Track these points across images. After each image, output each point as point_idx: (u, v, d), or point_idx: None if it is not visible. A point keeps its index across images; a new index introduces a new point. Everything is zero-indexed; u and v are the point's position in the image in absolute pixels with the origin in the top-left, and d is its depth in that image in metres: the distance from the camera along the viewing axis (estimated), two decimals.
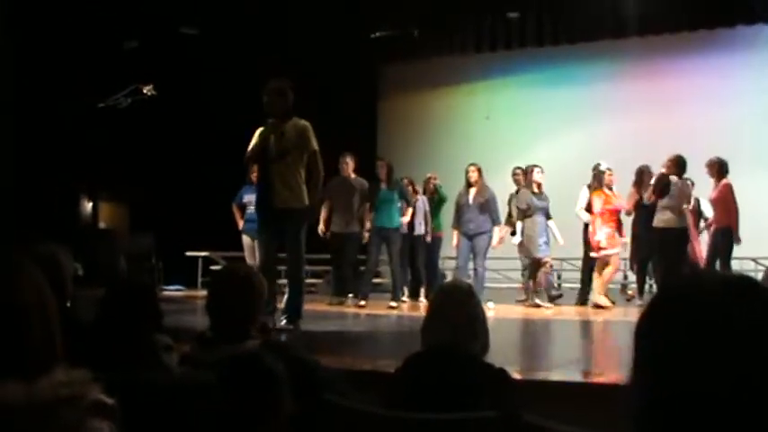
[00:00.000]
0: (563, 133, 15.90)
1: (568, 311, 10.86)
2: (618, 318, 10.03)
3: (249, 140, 7.40)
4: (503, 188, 12.27)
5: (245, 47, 14.47)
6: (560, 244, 11.75)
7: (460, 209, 11.33)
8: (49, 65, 12.81)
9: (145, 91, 9.58)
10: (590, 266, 11.37)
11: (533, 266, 11.35)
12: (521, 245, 11.63)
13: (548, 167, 11.68)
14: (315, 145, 7.31)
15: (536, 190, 11.32)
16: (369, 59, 16.76)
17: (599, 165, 11.26)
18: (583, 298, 11.37)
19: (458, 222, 11.36)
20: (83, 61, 13.14)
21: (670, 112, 14.84)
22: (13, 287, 1.63)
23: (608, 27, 15.23)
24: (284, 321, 7.22)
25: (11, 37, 12.27)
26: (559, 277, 14.89)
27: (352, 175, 11.64)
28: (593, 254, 11.15)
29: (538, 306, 11.06)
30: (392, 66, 17.55)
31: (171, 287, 13.40)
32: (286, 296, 7.48)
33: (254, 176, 11.09)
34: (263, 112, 7.29)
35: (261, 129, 7.36)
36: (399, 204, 11.54)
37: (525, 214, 11.23)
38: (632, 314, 10.05)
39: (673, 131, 13.96)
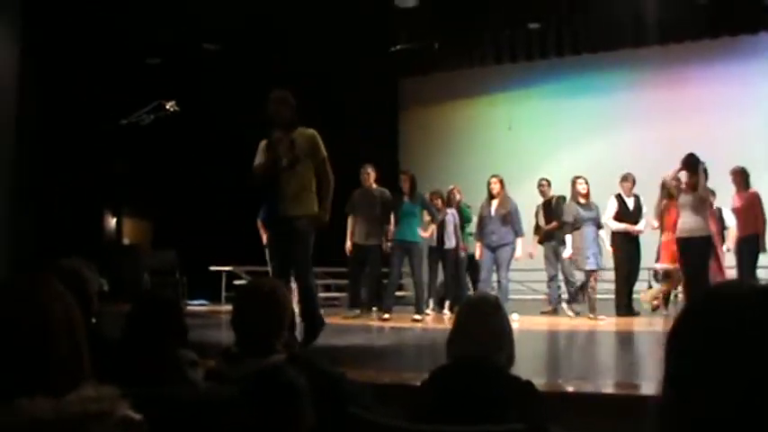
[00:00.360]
0: (585, 143, 15.85)
1: (594, 322, 10.77)
2: (643, 328, 9.97)
3: None
4: (526, 199, 12.25)
5: (265, 62, 14.52)
6: (608, 249, 11.63)
7: (483, 220, 11.30)
8: (72, 82, 12.90)
9: (167, 107, 9.58)
10: (624, 275, 11.26)
11: (585, 279, 11.26)
12: (555, 259, 11.66)
13: (570, 177, 11.64)
14: (324, 152, 7.17)
15: (582, 201, 11.24)
16: (389, 72, 16.80)
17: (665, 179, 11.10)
18: (622, 307, 11.21)
19: (480, 234, 11.33)
20: (105, 78, 13.23)
21: (691, 120, 14.77)
22: (41, 304, 1.64)
23: (628, 36, 15.21)
24: (304, 334, 7.03)
25: (34, 55, 12.37)
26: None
27: (374, 185, 11.63)
28: (661, 265, 11.05)
29: (591, 318, 10.93)
30: (413, 78, 17.60)
31: (195, 302, 13.44)
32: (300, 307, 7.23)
33: None
34: (268, 122, 7.16)
35: (265, 141, 7.21)
36: (429, 218, 11.55)
37: (573, 227, 11.15)
38: (657, 324, 9.99)
39: (694, 140, 13.80)
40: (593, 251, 11.11)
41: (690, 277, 9.88)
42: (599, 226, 11.30)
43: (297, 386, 2.40)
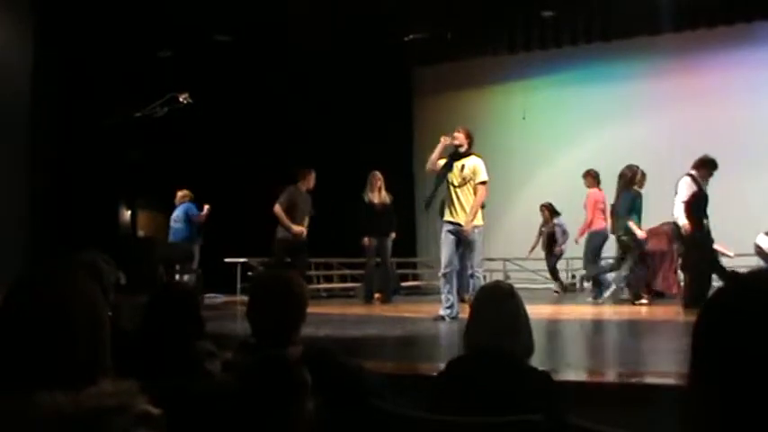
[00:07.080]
0: (600, 132, 15.78)
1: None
2: (669, 317, 9.86)
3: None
4: (539, 189, 12.24)
5: (277, 53, 14.51)
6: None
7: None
8: (85, 76, 12.92)
9: (181, 99, 9.60)
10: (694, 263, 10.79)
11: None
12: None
13: (586, 166, 11.60)
14: (484, 177, 9.32)
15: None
16: (403, 62, 16.77)
17: None
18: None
19: None
20: (119, 71, 13.24)
21: (707, 107, 14.69)
22: (59, 298, 1.64)
23: (643, 23, 15.09)
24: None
25: (47, 50, 12.40)
26: None
27: None
28: None
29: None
30: (426, 68, 17.54)
31: (210, 294, 13.45)
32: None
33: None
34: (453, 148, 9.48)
35: (446, 160, 9.49)
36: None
37: None
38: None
39: (710, 127, 13.81)
40: None
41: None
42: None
43: (294, 378, 2.39)
